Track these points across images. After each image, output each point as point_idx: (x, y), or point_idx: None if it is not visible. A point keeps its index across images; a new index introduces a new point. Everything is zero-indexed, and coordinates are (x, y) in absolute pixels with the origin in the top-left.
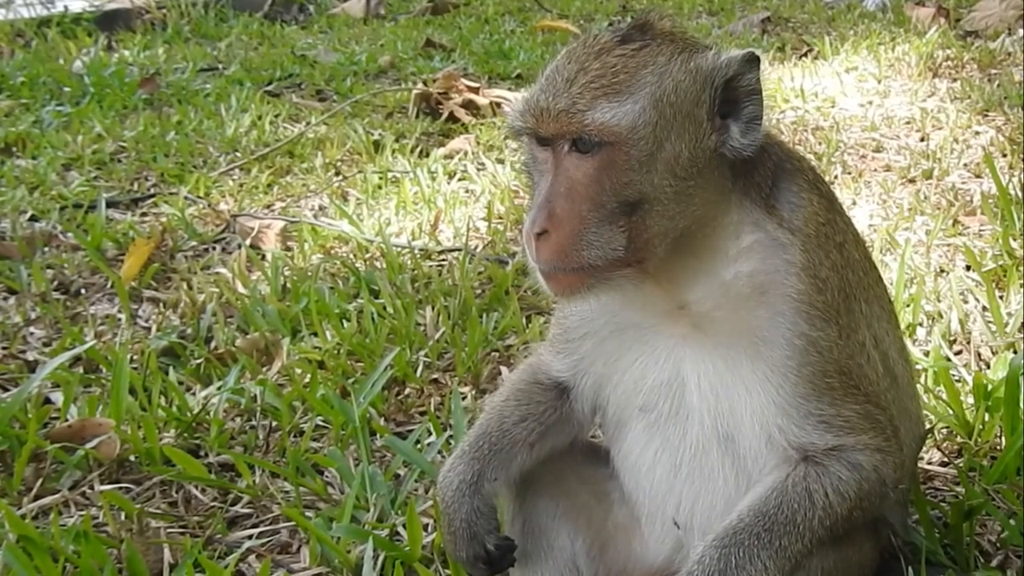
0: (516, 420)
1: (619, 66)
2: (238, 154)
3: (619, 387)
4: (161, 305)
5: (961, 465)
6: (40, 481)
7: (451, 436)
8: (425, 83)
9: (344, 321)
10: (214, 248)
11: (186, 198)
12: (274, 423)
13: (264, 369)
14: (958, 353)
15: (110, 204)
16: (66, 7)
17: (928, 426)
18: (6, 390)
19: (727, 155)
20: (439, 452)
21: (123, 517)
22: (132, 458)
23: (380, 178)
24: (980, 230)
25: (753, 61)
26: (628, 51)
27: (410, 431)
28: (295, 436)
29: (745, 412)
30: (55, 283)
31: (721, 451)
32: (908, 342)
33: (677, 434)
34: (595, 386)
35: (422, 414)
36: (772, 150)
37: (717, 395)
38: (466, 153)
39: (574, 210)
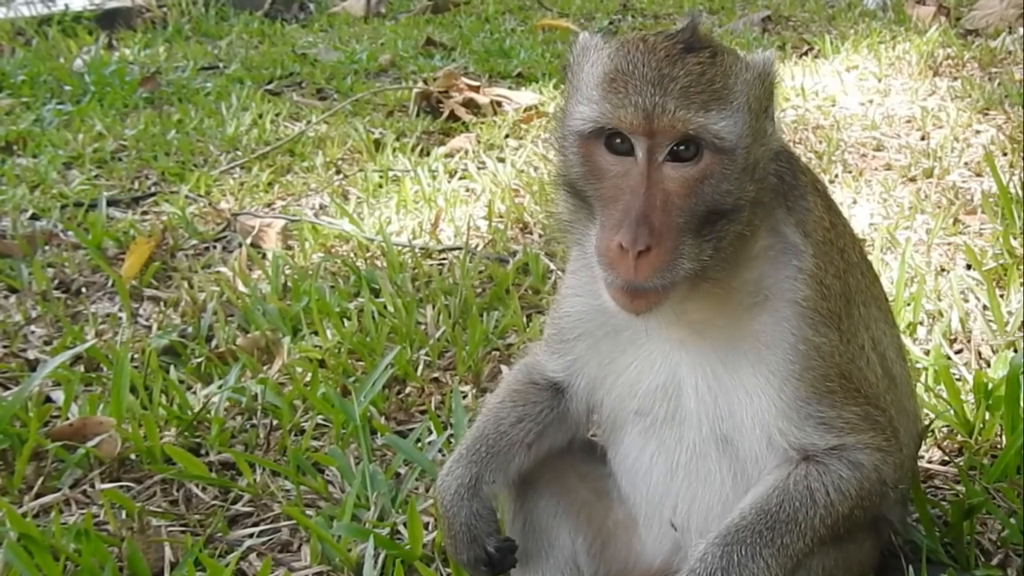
0: (513, 421)
1: (709, 74)
2: (239, 153)
3: (613, 390)
4: (162, 304)
5: (961, 464)
6: (41, 479)
7: (452, 435)
8: (425, 82)
9: (345, 320)
10: (215, 247)
11: (187, 197)
12: (275, 422)
13: (265, 368)
14: (959, 352)
15: (111, 203)
16: (67, 5)
17: (928, 424)
18: (7, 388)
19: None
20: (440, 451)
21: (124, 515)
22: (133, 457)
23: (381, 177)
24: (980, 229)
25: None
26: (705, 58)
27: (411, 430)
28: (296, 435)
29: (745, 415)
30: (56, 282)
31: (719, 454)
32: (908, 341)
33: (673, 437)
34: (589, 387)
35: (423, 413)
36: (783, 152)
37: (715, 399)
38: (467, 152)
39: (672, 223)
